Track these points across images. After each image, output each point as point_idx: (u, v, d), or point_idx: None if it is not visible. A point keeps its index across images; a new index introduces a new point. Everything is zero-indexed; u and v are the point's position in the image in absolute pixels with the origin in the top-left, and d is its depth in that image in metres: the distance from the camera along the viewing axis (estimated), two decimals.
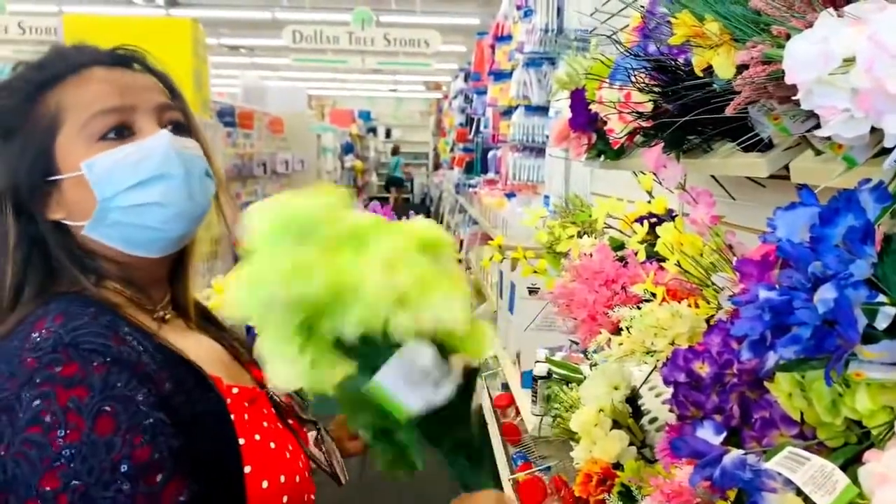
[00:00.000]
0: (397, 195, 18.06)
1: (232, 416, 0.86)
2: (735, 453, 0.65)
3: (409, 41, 7.67)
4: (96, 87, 0.88)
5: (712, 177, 1.46)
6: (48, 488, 0.70)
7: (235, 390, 0.90)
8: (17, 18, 8.70)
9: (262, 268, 0.68)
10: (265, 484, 0.86)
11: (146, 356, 0.80)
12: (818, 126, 0.71)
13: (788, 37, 0.64)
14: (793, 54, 0.60)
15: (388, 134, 22.38)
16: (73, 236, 0.88)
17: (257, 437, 0.88)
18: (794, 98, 0.62)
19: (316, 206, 0.73)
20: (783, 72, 0.62)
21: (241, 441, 0.86)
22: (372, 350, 0.65)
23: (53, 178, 0.85)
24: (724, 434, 0.68)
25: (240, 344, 1.04)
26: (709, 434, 0.69)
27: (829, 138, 0.71)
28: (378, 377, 0.64)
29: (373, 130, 20.75)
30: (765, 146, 1.07)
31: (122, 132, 0.87)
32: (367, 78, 17.02)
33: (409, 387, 0.63)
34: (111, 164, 0.85)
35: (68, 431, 0.71)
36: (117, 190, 0.85)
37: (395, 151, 19.63)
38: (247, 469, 0.85)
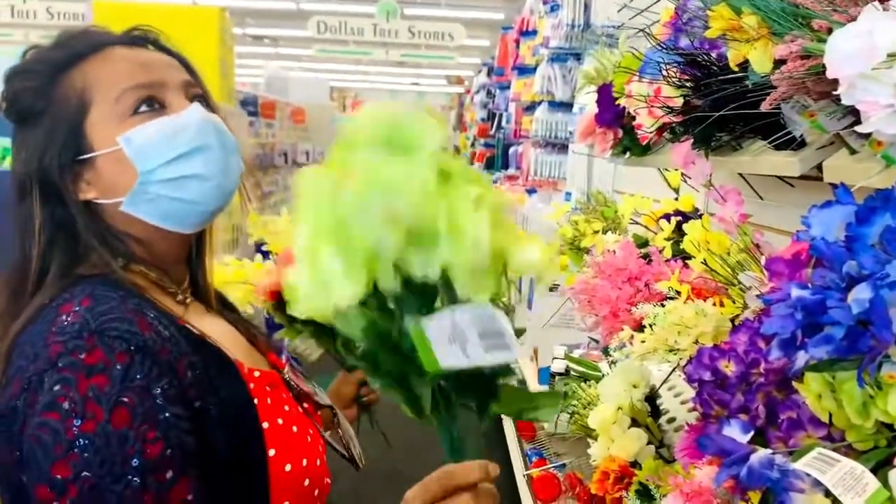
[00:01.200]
0: None
1: (255, 400, 0.86)
2: (763, 452, 0.64)
3: (434, 34, 7.65)
4: (123, 64, 0.87)
5: (740, 175, 1.45)
6: (59, 476, 0.70)
7: (257, 374, 0.90)
8: (45, 4, 8.78)
9: (366, 170, 0.59)
10: (288, 467, 0.86)
11: (171, 342, 0.80)
12: (857, 123, 0.69)
13: (830, 31, 0.63)
14: (835, 48, 0.59)
15: None
16: (102, 217, 0.87)
17: (280, 420, 0.88)
18: (834, 94, 0.61)
19: (424, 128, 0.62)
20: (823, 66, 0.61)
21: (265, 425, 0.85)
22: (429, 297, 0.61)
23: (86, 156, 0.84)
24: (752, 433, 0.67)
25: (255, 328, 1.04)
26: (736, 433, 0.68)
27: (867, 136, 0.69)
28: (427, 324, 0.60)
29: None
30: (796, 145, 1.05)
31: (154, 106, 0.86)
32: (390, 71, 17.02)
33: (450, 344, 0.59)
34: (148, 136, 0.84)
35: (85, 421, 0.71)
36: (158, 163, 0.84)
37: None
38: (270, 452, 0.85)
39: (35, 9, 8.72)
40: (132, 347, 0.75)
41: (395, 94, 21.48)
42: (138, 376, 0.74)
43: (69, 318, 0.75)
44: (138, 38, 0.93)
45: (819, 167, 0.98)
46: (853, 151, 0.87)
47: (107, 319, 0.76)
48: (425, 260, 0.60)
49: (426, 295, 0.61)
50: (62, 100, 0.85)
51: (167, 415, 0.75)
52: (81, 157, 0.84)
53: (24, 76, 0.87)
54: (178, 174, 0.85)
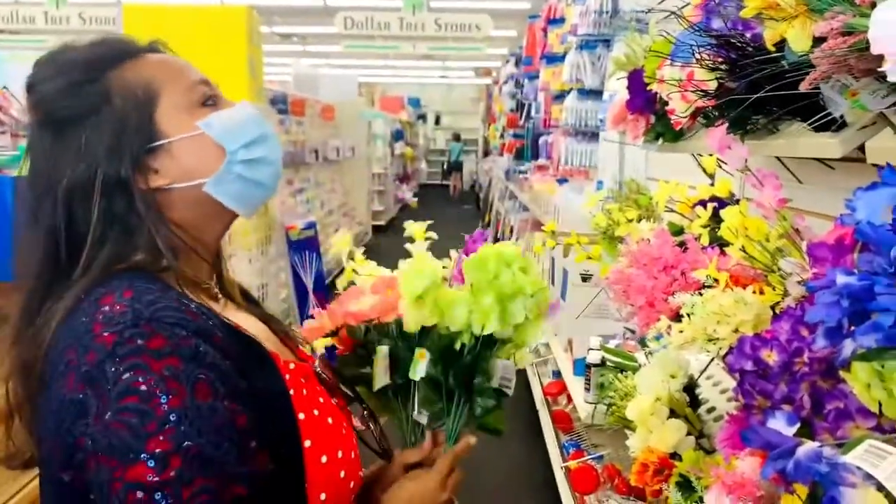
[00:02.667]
0: (456, 181, 18.75)
1: (291, 392, 0.87)
2: (810, 445, 0.62)
3: (460, 26, 7.61)
4: (174, 63, 0.92)
5: (777, 159, 1.41)
6: (158, 450, 0.70)
7: (292, 366, 0.90)
8: (77, 9, 8.94)
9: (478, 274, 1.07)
10: (324, 459, 0.86)
11: (218, 330, 0.81)
12: None
13: (873, 5, 0.60)
14: (881, 23, 0.56)
15: (437, 121, 22.37)
16: (160, 208, 0.88)
17: (315, 412, 0.88)
18: (878, 70, 0.58)
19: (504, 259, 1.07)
20: (867, 42, 0.59)
21: (301, 416, 0.86)
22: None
23: (161, 142, 0.87)
24: (797, 425, 0.65)
25: (279, 323, 1.05)
26: (781, 425, 0.66)
27: None
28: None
29: (422, 117, 20.76)
30: (836, 126, 1.02)
31: (214, 101, 0.92)
32: (417, 65, 17.01)
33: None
34: (225, 122, 0.90)
35: (171, 397, 0.72)
36: (239, 144, 0.90)
37: (458, 138, 20.00)
38: (306, 444, 0.85)
39: (68, 14, 8.88)
40: (191, 331, 0.77)
41: (423, 87, 21.48)
42: (208, 354, 0.76)
43: (116, 309, 0.76)
44: (159, 47, 0.97)
45: (861, 148, 0.95)
46: None
47: (159, 308, 0.77)
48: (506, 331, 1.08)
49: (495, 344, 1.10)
50: (125, 92, 0.87)
51: (243, 388, 0.79)
52: (155, 145, 0.87)
53: (79, 71, 0.87)
54: (254, 156, 0.91)
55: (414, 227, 1.24)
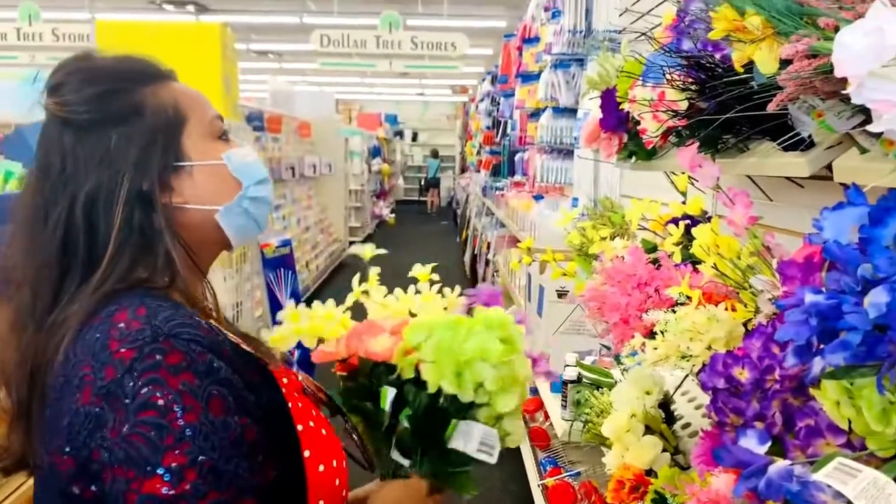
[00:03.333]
0: (434, 197, 18.88)
1: (289, 405, 0.88)
2: (781, 464, 0.62)
3: (437, 44, 7.65)
4: (197, 94, 0.96)
5: (748, 177, 1.43)
6: (174, 464, 0.72)
7: (285, 380, 0.92)
8: (51, 25, 8.86)
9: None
10: (321, 468, 0.88)
11: (226, 346, 0.84)
12: (867, 122, 0.68)
13: (837, 29, 0.61)
14: (844, 46, 0.57)
15: (414, 137, 22.43)
16: (178, 226, 0.89)
17: (311, 423, 0.90)
18: (843, 93, 0.59)
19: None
20: (831, 65, 0.60)
21: (300, 427, 0.88)
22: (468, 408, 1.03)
23: (186, 164, 0.90)
24: (769, 443, 0.66)
25: (258, 341, 1.06)
26: (752, 443, 0.66)
27: (878, 135, 0.68)
28: (461, 423, 1.03)
29: (399, 134, 20.81)
30: (805, 145, 1.04)
31: (226, 137, 0.97)
32: (394, 82, 17.06)
33: (463, 437, 1.01)
34: (242, 158, 0.95)
35: (186, 412, 0.74)
36: (251, 181, 0.94)
37: (435, 155, 20.11)
38: (306, 454, 0.87)
39: (41, 31, 8.80)
40: (205, 347, 0.79)
41: (400, 104, 21.53)
42: (221, 369, 0.79)
43: (133, 326, 0.77)
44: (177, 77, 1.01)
45: (829, 167, 0.96)
46: (864, 151, 0.85)
47: (176, 324, 0.79)
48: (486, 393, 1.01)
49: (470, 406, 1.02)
50: (157, 109, 0.90)
51: (251, 402, 0.82)
52: (179, 165, 0.90)
53: (106, 81, 0.89)
54: (259, 195, 0.95)
55: (419, 271, 1.21)
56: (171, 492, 0.72)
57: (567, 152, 4.06)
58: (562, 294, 2.76)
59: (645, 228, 1.38)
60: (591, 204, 2.55)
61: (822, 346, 0.65)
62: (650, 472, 1.44)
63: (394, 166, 18.46)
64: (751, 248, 1.09)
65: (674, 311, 1.15)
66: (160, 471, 0.72)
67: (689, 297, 1.16)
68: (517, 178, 6.17)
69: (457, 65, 9.67)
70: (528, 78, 5.03)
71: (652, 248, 1.44)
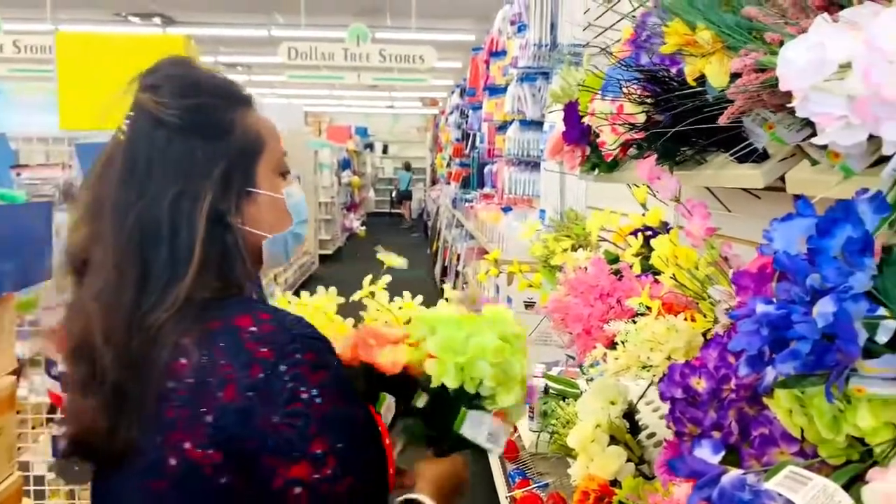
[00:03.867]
0: (407, 209, 18.93)
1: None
2: (734, 473, 0.63)
3: (405, 57, 7.68)
4: (274, 128, 1.01)
5: (707, 188, 1.45)
6: (318, 451, 0.82)
7: None
8: (12, 37, 8.71)
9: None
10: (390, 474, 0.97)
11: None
12: (814, 134, 0.69)
13: (782, 43, 0.62)
14: (787, 61, 0.59)
15: (385, 150, 22.43)
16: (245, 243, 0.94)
17: (388, 440, 0.98)
18: (788, 106, 0.60)
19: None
20: (777, 79, 0.61)
21: (388, 441, 0.97)
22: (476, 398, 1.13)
23: (257, 191, 0.96)
24: (722, 453, 0.66)
25: None
26: (706, 453, 0.66)
27: (825, 147, 0.69)
28: (471, 412, 1.13)
29: (370, 146, 20.79)
30: (760, 157, 1.05)
31: (286, 175, 1.03)
32: (364, 94, 17.05)
33: (475, 426, 1.12)
34: (296, 196, 1.01)
35: (325, 404, 0.84)
36: (299, 219, 1.01)
37: (408, 168, 20.14)
38: (388, 441, 0.97)
39: (2, 42, 8.65)
40: (326, 345, 0.89)
41: (370, 116, 21.52)
42: (340, 367, 0.90)
43: (265, 328, 0.85)
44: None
45: (783, 178, 0.98)
46: (815, 163, 0.87)
47: (304, 325, 0.89)
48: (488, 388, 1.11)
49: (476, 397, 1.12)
50: (246, 133, 0.95)
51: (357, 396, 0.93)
52: (252, 191, 0.95)
53: (209, 94, 0.94)
54: (301, 232, 1.02)
55: (385, 256, 1.26)
56: (316, 476, 0.81)
57: (534, 164, 4.09)
58: (529, 305, 2.77)
59: (604, 240, 1.39)
60: (557, 216, 2.57)
61: (773, 356, 0.65)
62: (615, 483, 1.44)
63: (364, 179, 18.42)
64: (708, 259, 1.11)
65: (634, 322, 1.16)
66: (306, 457, 0.81)
67: (648, 308, 1.17)
68: (486, 190, 6.20)
69: (425, 77, 9.71)
70: (496, 91, 5.07)
71: (614, 260, 1.45)
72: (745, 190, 1.29)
